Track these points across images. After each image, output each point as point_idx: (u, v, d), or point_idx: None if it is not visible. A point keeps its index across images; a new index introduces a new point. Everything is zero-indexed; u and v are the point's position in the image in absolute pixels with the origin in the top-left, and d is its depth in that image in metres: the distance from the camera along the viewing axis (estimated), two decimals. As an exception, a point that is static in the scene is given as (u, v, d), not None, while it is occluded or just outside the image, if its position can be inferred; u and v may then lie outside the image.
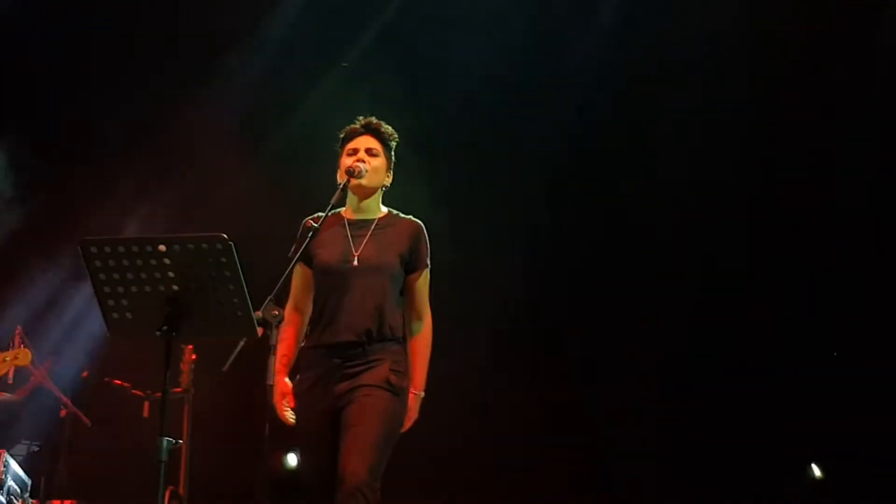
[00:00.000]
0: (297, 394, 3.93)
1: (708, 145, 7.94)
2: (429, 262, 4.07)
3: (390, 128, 4.15)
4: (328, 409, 3.81)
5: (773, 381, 7.92)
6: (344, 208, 4.10)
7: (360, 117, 4.16)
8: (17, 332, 7.02)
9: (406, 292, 4.01)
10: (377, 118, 4.17)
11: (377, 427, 3.72)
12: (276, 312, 3.49)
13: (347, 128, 4.16)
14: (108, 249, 3.17)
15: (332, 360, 3.86)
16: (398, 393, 3.84)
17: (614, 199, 8.31)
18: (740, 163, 8.00)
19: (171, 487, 5.94)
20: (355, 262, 3.91)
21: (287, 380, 3.98)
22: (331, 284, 3.94)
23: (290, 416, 3.91)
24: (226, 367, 3.56)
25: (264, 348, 3.53)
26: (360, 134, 4.10)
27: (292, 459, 7.67)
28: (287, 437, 3.94)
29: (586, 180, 8.28)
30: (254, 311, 3.27)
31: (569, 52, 8.11)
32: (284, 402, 3.92)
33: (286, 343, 3.98)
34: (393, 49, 8.05)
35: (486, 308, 8.07)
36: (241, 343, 3.55)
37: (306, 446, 3.95)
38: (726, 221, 8.13)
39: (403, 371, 3.91)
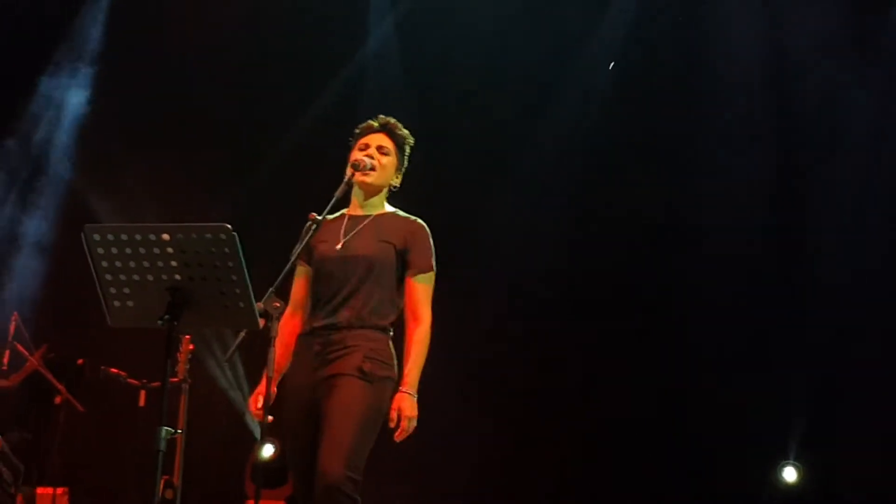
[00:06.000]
0: (286, 384, 3.88)
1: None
2: (433, 265, 3.96)
3: (406, 130, 4.10)
4: (307, 400, 3.77)
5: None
6: (350, 207, 4.06)
7: (381, 115, 4.11)
8: (13, 318, 7.03)
9: (405, 293, 3.93)
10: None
11: (351, 419, 3.67)
12: (278, 304, 3.47)
13: (363, 124, 4.11)
14: (111, 237, 3.15)
15: (313, 345, 3.84)
16: (372, 381, 3.75)
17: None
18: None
19: (165, 476, 5.92)
20: (338, 247, 3.90)
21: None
22: (318, 272, 3.93)
23: (259, 412, 3.77)
24: (226, 359, 3.54)
25: (265, 339, 3.51)
26: (375, 131, 4.06)
27: (268, 450, 7.64)
28: (280, 429, 3.92)
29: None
30: (255, 302, 3.25)
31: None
32: (259, 402, 3.80)
33: (278, 351, 3.84)
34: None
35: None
36: (242, 335, 3.53)
37: (287, 439, 3.94)
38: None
39: (381, 360, 3.82)
